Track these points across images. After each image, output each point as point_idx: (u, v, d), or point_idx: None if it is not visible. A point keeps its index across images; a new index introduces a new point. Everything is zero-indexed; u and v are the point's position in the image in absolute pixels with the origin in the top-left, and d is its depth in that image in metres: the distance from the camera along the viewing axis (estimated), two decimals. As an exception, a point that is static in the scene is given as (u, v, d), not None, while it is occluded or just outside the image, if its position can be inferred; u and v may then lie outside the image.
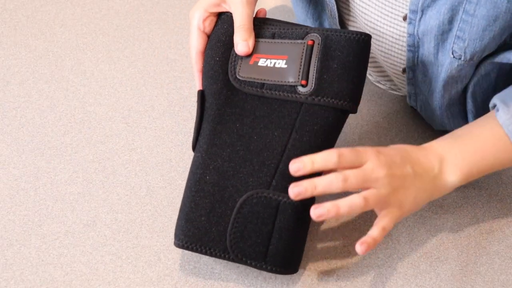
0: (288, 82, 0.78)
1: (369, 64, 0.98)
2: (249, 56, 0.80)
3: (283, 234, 0.75)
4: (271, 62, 0.79)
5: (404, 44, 0.87)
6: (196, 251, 0.77)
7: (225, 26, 0.82)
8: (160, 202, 0.88)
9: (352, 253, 0.84)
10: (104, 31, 1.11)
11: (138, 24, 1.13)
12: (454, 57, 0.79)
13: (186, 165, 0.92)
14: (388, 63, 0.93)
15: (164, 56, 1.07)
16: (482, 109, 0.87)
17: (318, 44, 0.78)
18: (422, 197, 0.77)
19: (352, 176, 0.72)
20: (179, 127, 0.97)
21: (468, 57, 0.78)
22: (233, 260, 0.77)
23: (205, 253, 0.77)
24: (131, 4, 1.16)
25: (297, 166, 0.72)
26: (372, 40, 0.89)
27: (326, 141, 0.78)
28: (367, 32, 0.90)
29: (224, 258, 0.77)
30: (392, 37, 0.88)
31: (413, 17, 0.81)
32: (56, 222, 0.86)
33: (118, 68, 1.05)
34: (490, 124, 0.79)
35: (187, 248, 0.77)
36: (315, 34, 0.78)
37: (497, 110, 0.79)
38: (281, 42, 0.79)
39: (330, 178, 0.72)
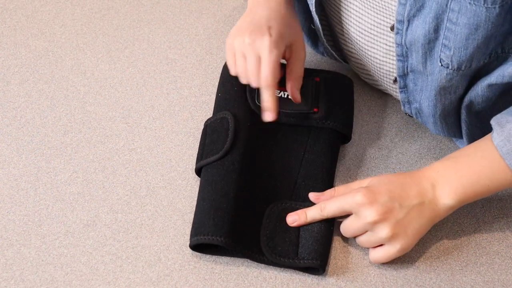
0: (303, 110, 0.91)
1: (364, 75, 0.99)
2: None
3: (310, 234, 0.82)
4: (284, 94, 0.92)
5: (394, 54, 0.87)
6: (237, 250, 0.80)
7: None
8: (160, 202, 0.88)
9: (352, 253, 0.84)
10: (104, 31, 1.11)
11: (138, 24, 1.13)
12: (442, 65, 0.79)
13: (186, 165, 0.92)
14: (380, 74, 0.93)
15: (164, 56, 1.07)
16: (477, 119, 0.87)
17: (323, 81, 0.94)
18: (422, 224, 0.80)
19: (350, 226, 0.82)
20: (179, 127, 0.97)
21: (455, 66, 0.78)
22: (266, 262, 0.81)
23: (241, 253, 0.80)
24: (131, 4, 1.16)
25: (292, 218, 0.83)
26: (364, 51, 0.92)
27: (330, 158, 0.89)
28: (360, 43, 0.92)
29: (258, 260, 0.81)
30: (383, 47, 0.88)
31: (400, 27, 0.81)
32: (56, 222, 0.86)
33: (118, 68, 1.05)
34: (486, 146, 0.79)
35: (228, 246, 0.79)
36: (320, 75, 0.95)
37: (492, 132, 0.79)
38: None
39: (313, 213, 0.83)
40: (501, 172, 0.78)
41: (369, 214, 0.78)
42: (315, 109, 0.91)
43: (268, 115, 0.86)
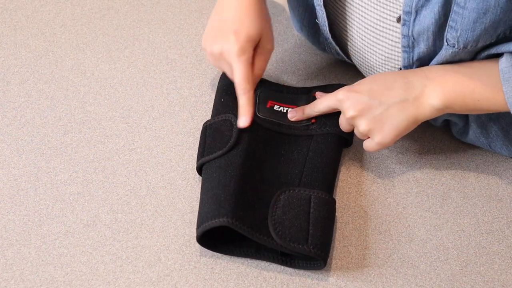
0: (302, 123, 0.93)
1: (366, 70, 0.98)
2: (265, 100, 0.95)
3: (319, 222, 0.82)
4: (284, 109, 0.95)
5: (400, 46, 0.87)
6: (243, 231, 0.79)
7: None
8: (160, 202, 0.88)
9: (352, 253, 0.84)
10: (104, 31, 1.11)
11: (138, 24, 1.13)
12: (448, 44, 0.80)
13: (186, 165, 0.92)
14: (385, 68, 0.93)
15: (164, 56, 1.07)
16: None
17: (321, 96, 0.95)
18: (401, 120, 0.82)
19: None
20: (179, 127, 0.97)
21: (461, 45, 0.79)
22: (275, 245, 0.80)
23: (251, 236, 0.80)
24: (131, 4, 1.16)
25: (291, 114, 0.92)
26: (369, 46, 0.92)
27: (332, 158, 0.90)
28: (365, 39, 0.92)
29: (266, 243, 0.80)
30: (389, 42, 0.88)
31: (407, 18, 0.81)
32: (56, 222, 0.86)
33: (118, 68, 1.05)
34: (491, 66, 0.80)
35: (232, 225, 0.79)
36: (317, 91, 0.96)
37: (501, 57, 0.79)
38: (291, 96, 0.97)
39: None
40: (494, 94, 0.80)
41: (347, 110, 0.85)
42: (313, 120, 0.93)
43: (243, 120, 0.89)
